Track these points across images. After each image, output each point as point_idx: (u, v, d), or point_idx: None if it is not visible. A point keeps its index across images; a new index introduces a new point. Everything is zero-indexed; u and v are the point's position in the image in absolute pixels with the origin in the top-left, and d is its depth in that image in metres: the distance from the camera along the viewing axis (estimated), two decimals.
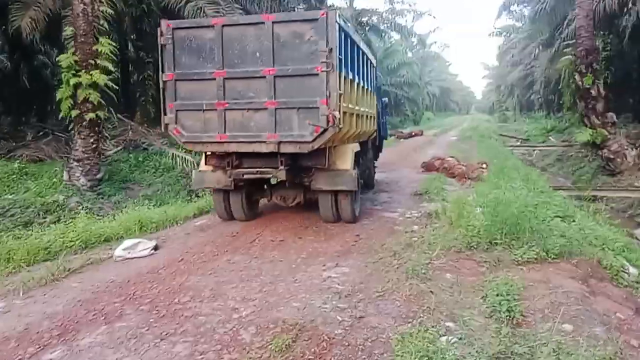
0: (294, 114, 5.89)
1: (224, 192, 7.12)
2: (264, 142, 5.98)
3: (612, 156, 14.72)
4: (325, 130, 5.74)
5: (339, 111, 5.84)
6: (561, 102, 33.20)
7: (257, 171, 6.35)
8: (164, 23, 6.23)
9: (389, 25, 35.41)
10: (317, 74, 5.70)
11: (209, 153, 6.71)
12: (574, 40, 15.33)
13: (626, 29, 16.36)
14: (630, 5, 15.47)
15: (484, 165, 12.94)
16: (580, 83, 14.73)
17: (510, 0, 25.44)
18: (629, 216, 12.62)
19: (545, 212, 7.00)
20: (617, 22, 16.77)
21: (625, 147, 14.71)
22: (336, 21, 5.69)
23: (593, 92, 14.70)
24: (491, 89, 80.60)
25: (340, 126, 5.89)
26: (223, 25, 6.00)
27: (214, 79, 6.03)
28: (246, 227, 7.06)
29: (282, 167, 6.18)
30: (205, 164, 6.85)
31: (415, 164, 14.22)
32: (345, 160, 6.78)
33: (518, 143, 33.04)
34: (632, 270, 5.84)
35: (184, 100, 6.24)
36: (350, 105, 6.69)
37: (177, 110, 6.28)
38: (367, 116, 8.29)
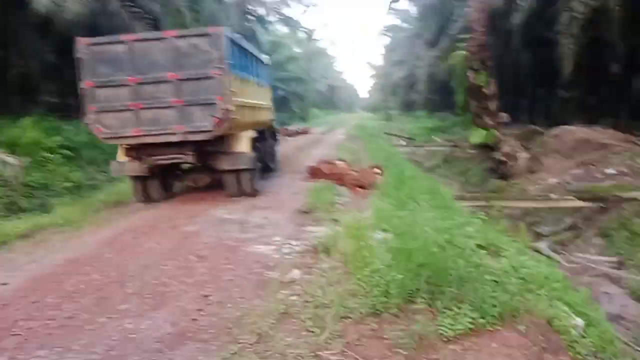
0: (197, 109, 7.10)
1: (141, 179, 8.26)
2: (174, 133, 7.16)
3: (503, 159, 14.07)
4: (222, 120, 7.08)
5: (232, 105, 7.18)
6: (451, 101, 34.13)
7: (170, 157, 7.53)
8: (79, 40, 7.14)
9: (275, 17, 33.29)
10: (212, 77, 7.00)
11: (126, 146, 7.68)
12: (468, 36, 14.42)
13: (515, 26, 15.97)
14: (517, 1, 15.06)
15: (378, 170, 11.34)
16: (473, 81, 13.83)
17: None
18: (527, 224, 11.84)
19: (465, 242, 5.33)
20: (505, 21, 16.37)
21: (517, 150, 14.14)
22: (225, 35, 7.03)
23: (486, 91, 13.91)
24: (376, 88, 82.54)
25: (235, 117, 7.29)
26: (133, 41, 7.07)
27: (129, 84, 7.06)
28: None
29: (190, 152, 7.46)
30: (122, 155, 7.91)
31: (301, 167, 12.23)
32: (243, 144, 8.13)
33: (403, 142, 33.00)
34: (577, 321, 4.35)
35: (102, 103, 7.18)
36: (243, 100, 8.02)
37: (97, 112, 7.21)
38: (262, 108, 9.87)
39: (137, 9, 16.46)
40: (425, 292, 3.87)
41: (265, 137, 10.65)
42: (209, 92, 7.01)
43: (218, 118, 7.06)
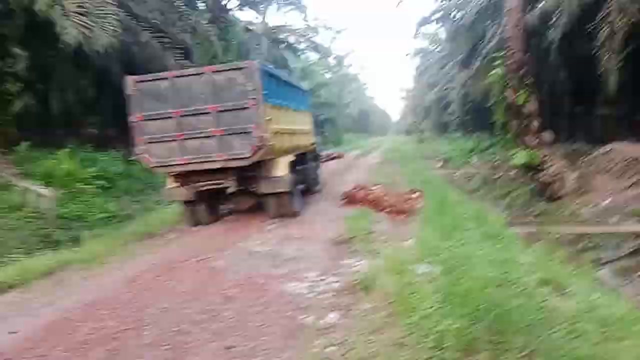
0: (234, 138, 7.54)
1: (190, 203, 8.72)
2: (215, 160, 7.66)
3: (550, 180, 13.18)
4: (259, 147, 7.51)
5: (268, 132, 7.63)
6: (486, 121, 33.15)
7: (213, 183, 8.07)
8: (129, 79, 7.73)
9: (305, 43, 33.35)
10: (248, 107, 7.42)
11: (174, 173, 8.21)
12: (502, 53, 13.77)
13: (552, 43, 15.24)
14: (554, 19, 14.36)
15: (417, 195, 10.73)
16: (512, 99, 13.12)
17: (426, 19, 24.15)
18: (578, 250, 10.91)
19: (524, 279, 4.70)
20: (542, 37, 15.66)
21: (564, 170, 13.25)
22: (258, 68, 7.48)
23: (527, 110, 13.15)
24: (408, 111, 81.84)
25: (271, 143, 7.74)
26: (175, 77, 7.64)
27: (172, 117, 7.57)
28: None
29: (231, 178, 8.00)
30: (171, 182, 8.52)
31: (335, 193, 11.75)
32: (281, 168, 8.52)
33: (439, 165, 32.11)
34: None
35: (150, 134, 7.70)
36: (279, 126, 8.48)
37: (146, 143, 7.74)
38: (301, 133, 10.43)
39: (167, 39, 16.64)
40: (487, 343, 3.27)
41: (306, 160, 11.23)
42: (245, 122, 7.48)
43: (254, 145, 7.51)
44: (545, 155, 13.21)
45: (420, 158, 31.10)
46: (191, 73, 7.83)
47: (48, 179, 12.29)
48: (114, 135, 20.88)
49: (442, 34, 35.97)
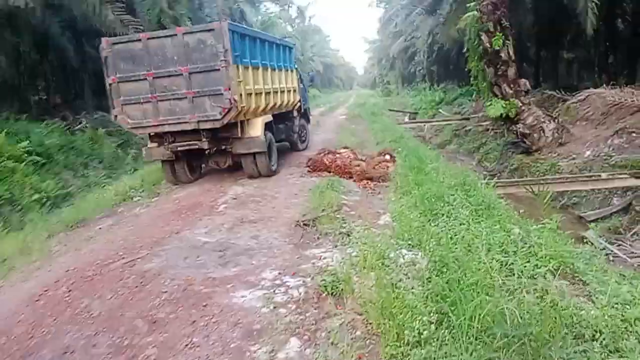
0: (206, 99, 7.66)
1: (170, 162, 8.88)
2: (187, 122, 7.80)
3: (527, 131, 12.36)
4: (229, 109, 7.60)
5: (242, 94, 7.82)
6: (454, 71, 32.06)
7: (187, 143, 8.18)
8: (103, 40, 7.93)
9: None
10: (218, 69, 7.50)
11: (152, 133, 8.44)
12: None
13: None
14: None
15: (388, 157, 9.71)
16: (488, 45, 12.03)
17: None
18: (563, 207, 10.23)
19: (533, 268, 3.76)
20: None
21: (542, 120, 12.42)
22: (227, 29, 7.48)
23: (503, 56, 12.11)
24: (373, 63, 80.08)
25: (243, 105, 7.87)
26: (148, 39, 7.74)
27: (146, 78, 7.75)
28: None
29: (204, 139, 8.09)
30: (150, 142, 8.74)
31: (300, 158, 10.63)
32: (256, 129, 8.55)
33: (407, 118, 31.19)
34: None
35: (125, 96, 7.91)
36: (255, 86, 8.50)
37: (122, 105, 7.94)
38: (282, 91, 10.19)
39: None
40: None
41: (289, 118, 11.41)
42: (215, 84, 7.51)
43: (225, 107, 7.52)
44: (522, 105, 12.31)
45: (387, 112, 30.04)
46: (164, 34, 7.99)
47: None
48: (59, 102, 18.99)
49: None
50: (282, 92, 10.28)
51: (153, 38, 7.81)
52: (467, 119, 20.23)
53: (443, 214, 5.34)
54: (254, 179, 8.70)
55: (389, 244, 4.50)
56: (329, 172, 8.77)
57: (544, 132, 12.29)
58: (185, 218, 6.41)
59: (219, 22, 7.98)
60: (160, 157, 8.80)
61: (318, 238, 5.21)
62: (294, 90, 11.36)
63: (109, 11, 14.53)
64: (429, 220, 5.17)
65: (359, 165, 8.67)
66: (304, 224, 5.69)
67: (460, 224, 4.80)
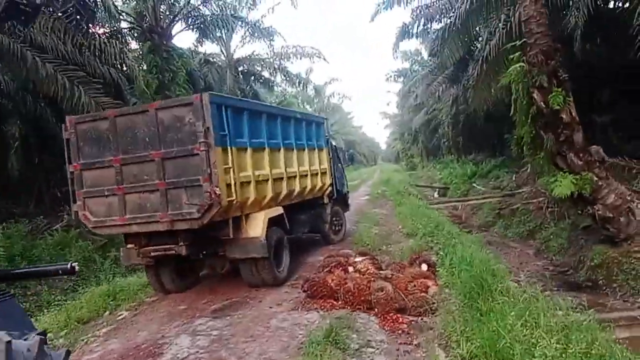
0: (182, 192, 6.11)
1: (153, 267, 7.22)
2: (159, 221, 6.20)
3: (610, 214, 9.10)
4: (209, 205, 5.92)
5: (232, 184, 6.20)
6: (482, 141, 29.27)
7: (162, 248, 6.52)
8: (67, 119, 6.69)
9: (280, 76, 29.25)
10: (197, 154, 5.94)
11: (120, 234, 7.23)
12: (519, 42, 9.92)
13: (577, 27, 11.52)
14: None
15: (425, 267, 6.63)
16: (542, 104, 9.18)
17: (406, 31, 20.42)
18: None
19: None
20: (563, 20, 11.96)
21: (629, 199, 9.21)
22: (208, 101, 5.95)
23: (565, 117, 9.16)
24: (395, 137, 78.84)
25: (233, 199, 6.18)
26: (115, 116, 6.45)
27: (112, 165, 6.35)
28: None
29: (182, 243, 6.36)
30: (127, 242, 6.98)
31: (305, 265, 7.66)
32: (256, 227, 6.86)
33: (436, 194, 28.19)
34: None
35: (89, 187, 6.55)
36: (258, 173, 7.01)
37: (84, 198, 6.57)
38: (303, 175, 8.60)
39: (82, 73, 12.93)
40: None
41: (318, 204, 9.86)
42: (193, 172, 6.05)
43: (203, 203, 5.95)
44: (598, 179, 9.18)
45: (414, 189, 27.11)
46: (134, 111, 6.82)
47: None
48: (30, 202, 16.77)
49: (424, 51, 32.79)
50: (304, 176, 8.72)
51: (122, 115, 6.53)
52: (512, 194, 17.05)
53: None
54: (217, 319, 5.76)
55: None
56: (336, 300, 5.71)
57: (634, 215, 9.04)
58: None
59: (197, 94, 6.36)
60: (139, 261, 7.10)
61: None
62: (323, 173, 9.67)
63: (82, 93, 12.52)
64: None
65: (382, 290, 5.58)
66: None
67: None
